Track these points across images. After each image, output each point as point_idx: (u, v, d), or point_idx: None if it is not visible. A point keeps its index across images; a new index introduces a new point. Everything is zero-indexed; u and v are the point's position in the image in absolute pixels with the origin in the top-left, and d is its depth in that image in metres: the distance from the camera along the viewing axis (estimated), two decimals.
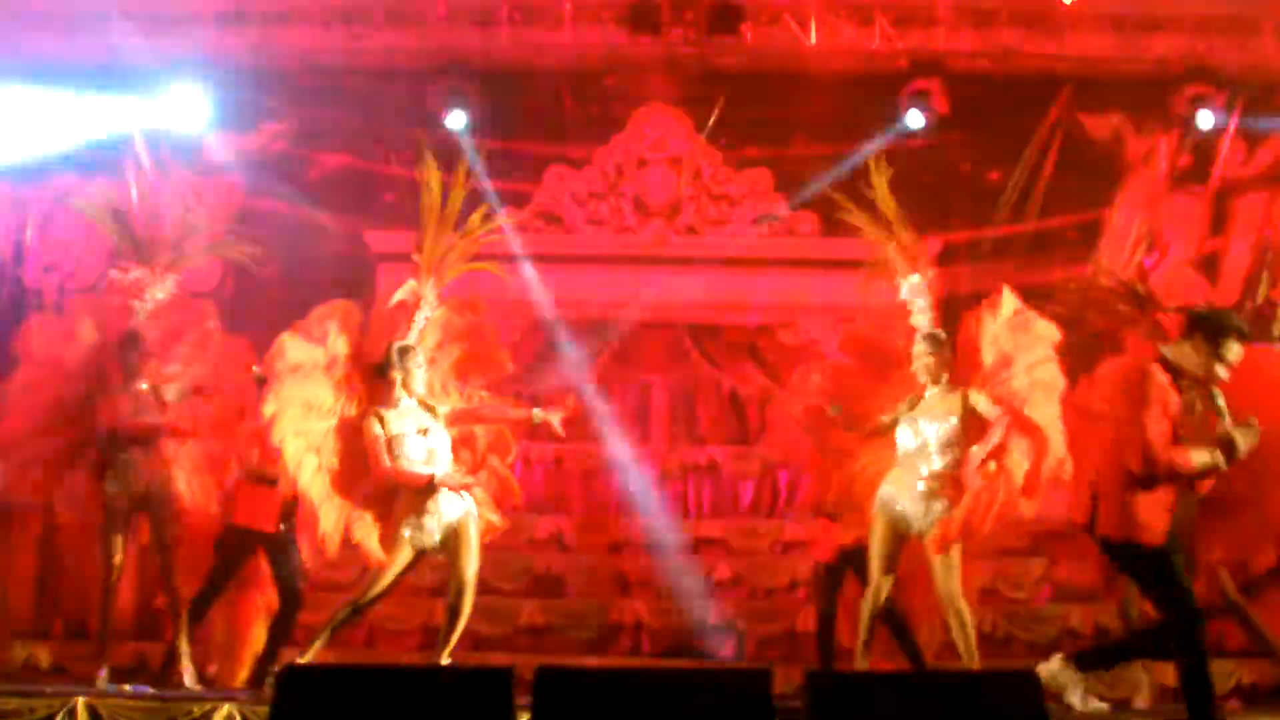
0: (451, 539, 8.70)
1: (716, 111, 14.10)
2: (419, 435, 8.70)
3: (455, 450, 8.93)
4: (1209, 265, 14.26)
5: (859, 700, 6.46)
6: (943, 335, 9.01)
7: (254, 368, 9.29)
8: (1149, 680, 9.77)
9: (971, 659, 8.60)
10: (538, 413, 9.01)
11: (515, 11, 13.46)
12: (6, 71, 13.05)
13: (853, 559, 9.93)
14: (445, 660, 8.59)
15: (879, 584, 8.85)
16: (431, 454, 8.71)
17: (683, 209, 14.17)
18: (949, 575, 8.64)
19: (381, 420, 8.67)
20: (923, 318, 9.14)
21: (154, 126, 13.08)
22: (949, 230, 13.41)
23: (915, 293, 9.23)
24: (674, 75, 14.20)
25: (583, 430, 13.33)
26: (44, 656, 11.82)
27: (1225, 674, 11.23)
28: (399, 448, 8.64)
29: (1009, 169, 13.93)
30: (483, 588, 11.54)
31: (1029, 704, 6.48)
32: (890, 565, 8.86)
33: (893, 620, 9.55)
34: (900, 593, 9.39)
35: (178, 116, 13.17)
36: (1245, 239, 14.32)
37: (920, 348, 8.97)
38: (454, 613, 8.71)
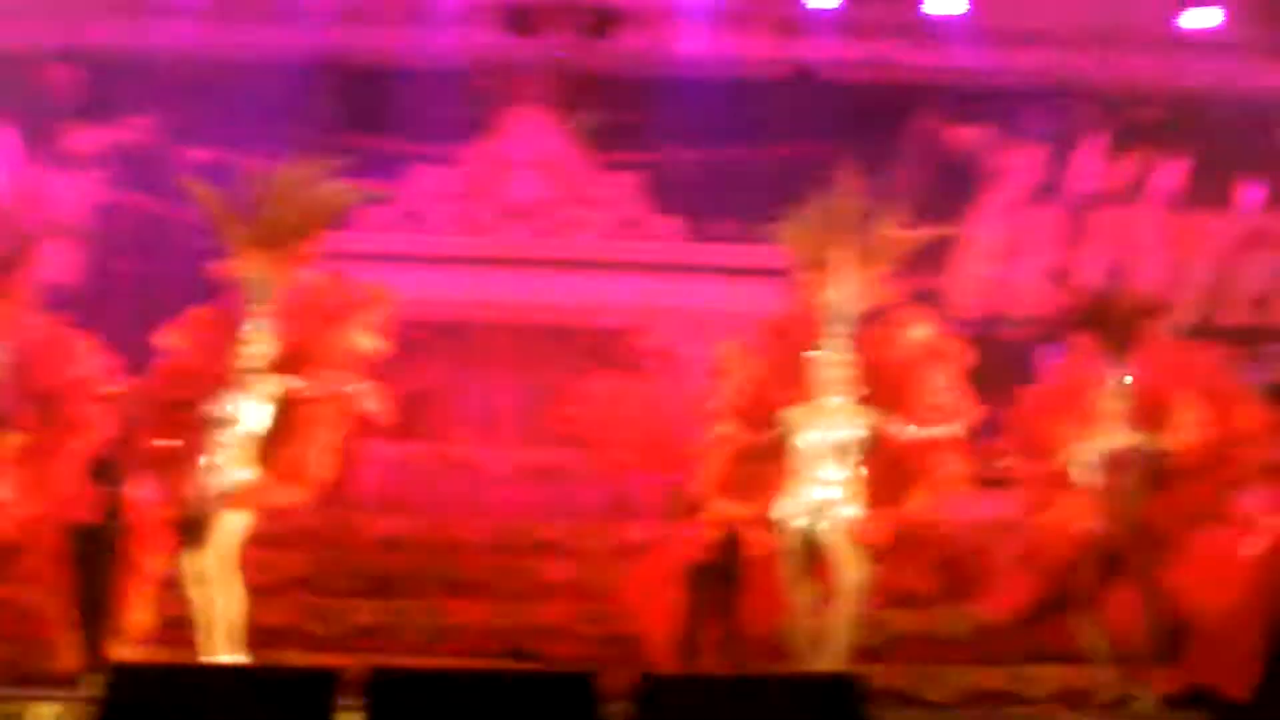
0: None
1: (586, 115, 14.13)
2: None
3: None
4: (1062, 277, 14.56)
5: (689, 702, 6.59)
6: (851, 346, 9.25)
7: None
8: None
9: (847, 645, 8.95)
10: (354, 388, 9.15)
11: (388, 9, 13.45)
12: None
13: (719, 563, 10.10)
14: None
15: (796, 592, 9.11)
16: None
17: (547, 211, 14.19)
18: (850, 568, 8.98)
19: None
20: (837, 328, 9.34)
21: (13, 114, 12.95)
22: None
23: (836, 304, 9.42)
24: (545, 78, 14.23)
25: (427, 430, 13.37)
26: None
27: (1048, 679, 11.50)
28: None
29: (875, 178, 14.10)
30: (315, 587, 11.65)
31: (851, 707, 6.65)
32: (801, 571, 9.11)
33: None
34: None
35: (38, 105, 13.04)
36: (1099, 252, 14.65)
37: (829, 358, 9.19)
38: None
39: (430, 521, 12.52)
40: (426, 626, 11.45)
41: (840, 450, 9.09)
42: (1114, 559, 9.92)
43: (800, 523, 9.07)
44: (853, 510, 9.01)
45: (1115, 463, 9.91)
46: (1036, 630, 12.24)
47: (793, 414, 9.26)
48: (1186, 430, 9.87)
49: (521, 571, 12.09)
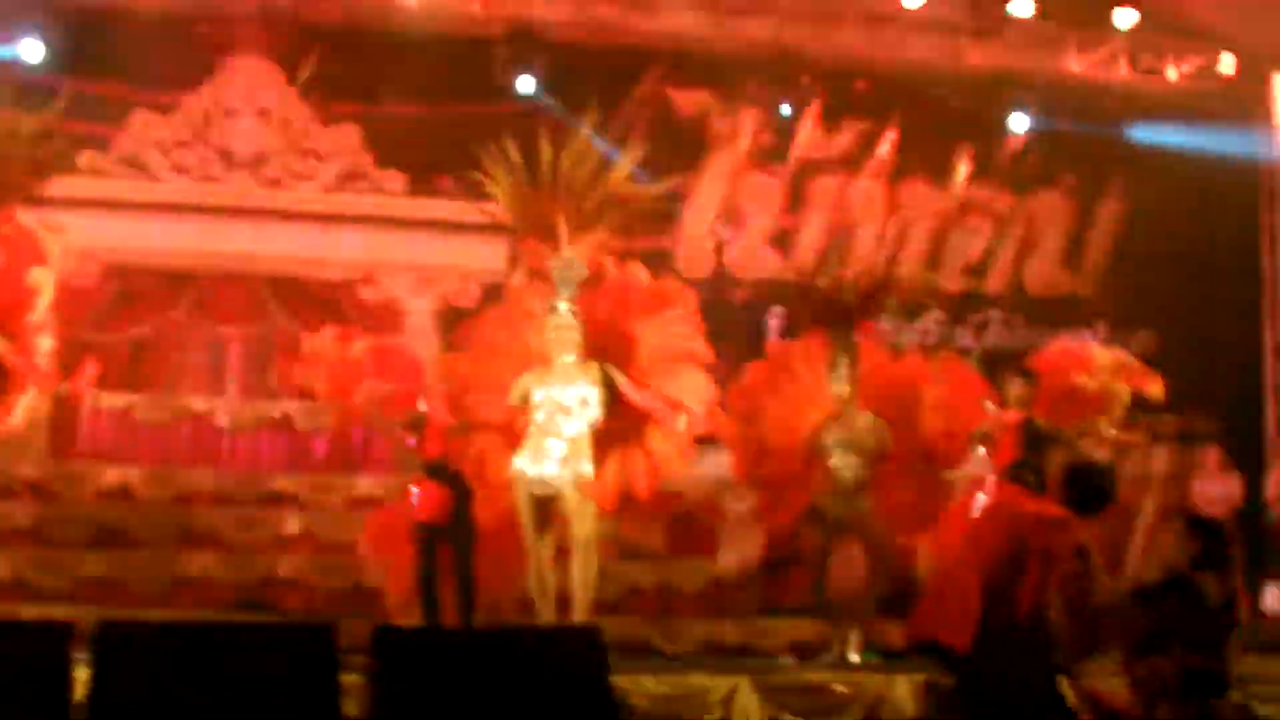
0: None
1: (308, 66, 13.94)
2: None
3: None
4: (784, 241, 14.89)
5: (425, 655, 6.62)
6: (576, 308, 9.30)
7: None
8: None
9: (588, 600, 9.08)
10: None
11: None
12: None
13: (452, 519, 10.16)
14: None
15: (535, 546, 9.18)
16: None
17: (269, 161, 13.98)
18: (584, 521, 9.13)
19: None
20: (565, 290, 9.37)
21: None
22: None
23: (564, 267, 9.44)
24: (267, 26, 13.99)
25: (155, 379, 13.11)
26: None
27: (780, 630, 11.81)
28: None
29: (600, 139, 14.18)
30: (41, 539, 11.36)
31: (590, 659, 6.76)
32: (540, 527, 9.21)
33: None
34: None
35: None
36: (819, 218, 15.02)
37: (558, 319, 9.23)
38: None
39: (159, 473, 12.28)
40: (158, 578, 11.26)
41: (573, 407, 9.17)
42: (839, 521, 10.22)
43: (535, 479, 9.15)
44: (585, 467, 9.11)
45: (845, 439, 10.20)
46: (768, 585, 12.61)
47: (527, 377, 9.32)
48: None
49: (254, 523, 11.97)
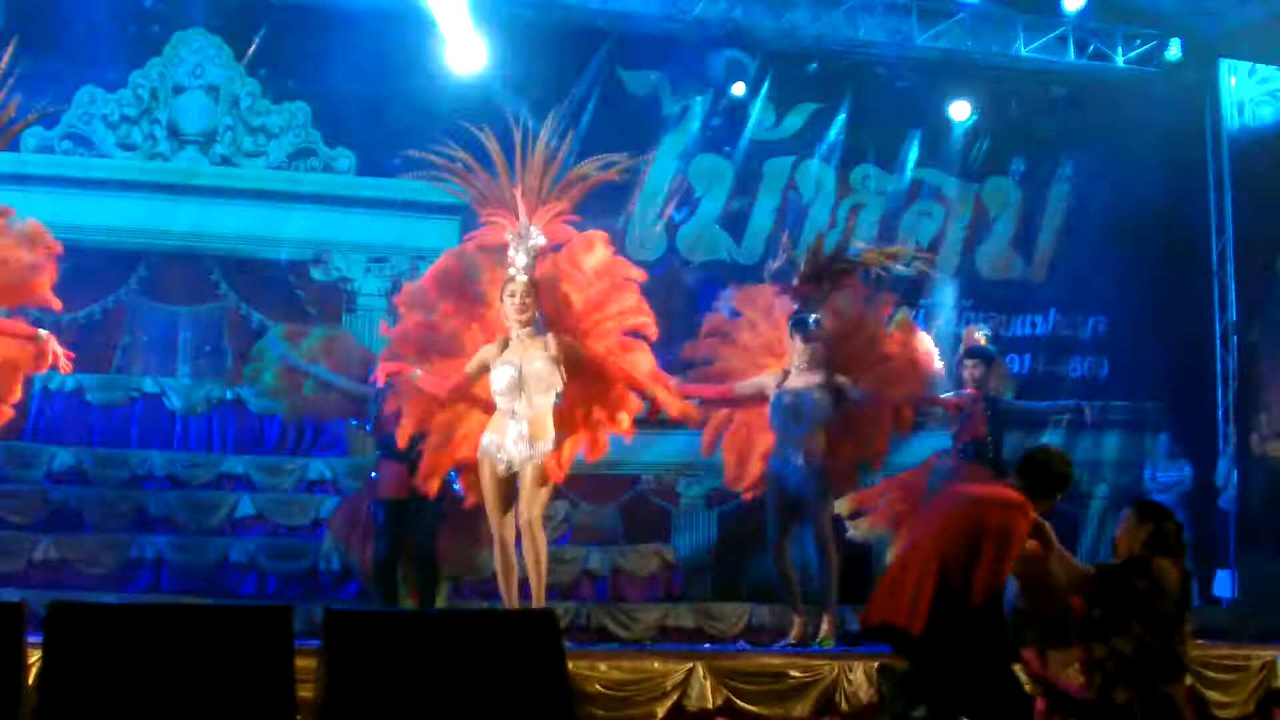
0: None
1: (256, 41, 13.85)
2: None
3: None
4: (735, 223, 14.89)
5: (378, 637, 6.59)
6: (534, 280, 9.22)
7: None
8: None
9: (541, 582, 8.96)
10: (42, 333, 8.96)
11: None
12: None
13: (412, 500, 10.15)
14: None
15: (499, 525, 9.08)
16: None
17: (218, 138, 13.89)
18: (534, 504, 8.95)
19: None
20: (523, 261, 9.29)
21: None
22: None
23: (522, 239, 9.37)
24: (215, 1, 13.88)
25: (106, 360, 13.01)
26: None
27: (736, 616, 11.86)
28: None
29: (548, 118, 14.11)
30: None
31: (548, 641, 6.74)
32: (505, 506, 9.09)
33: None
34: None
35: None
36: (769, 200, 15.02)
37: (514, 290, 9.15)
38: None
39: (111, 454, 12.27)
40: (111, 561, 11.23)
41: (530, 384, 9.09)
42: (795, 503, 10.24)
43: (499, 458, 9.07)
44: (545, 445, 9.02)
45: (797, 405, 10.21)
46: (723, 569, 12.67)
47: (486, 350, 9.24)
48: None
49: (207, 506, 12.00)
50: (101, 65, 13.57)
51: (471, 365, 9.19)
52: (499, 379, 9.01)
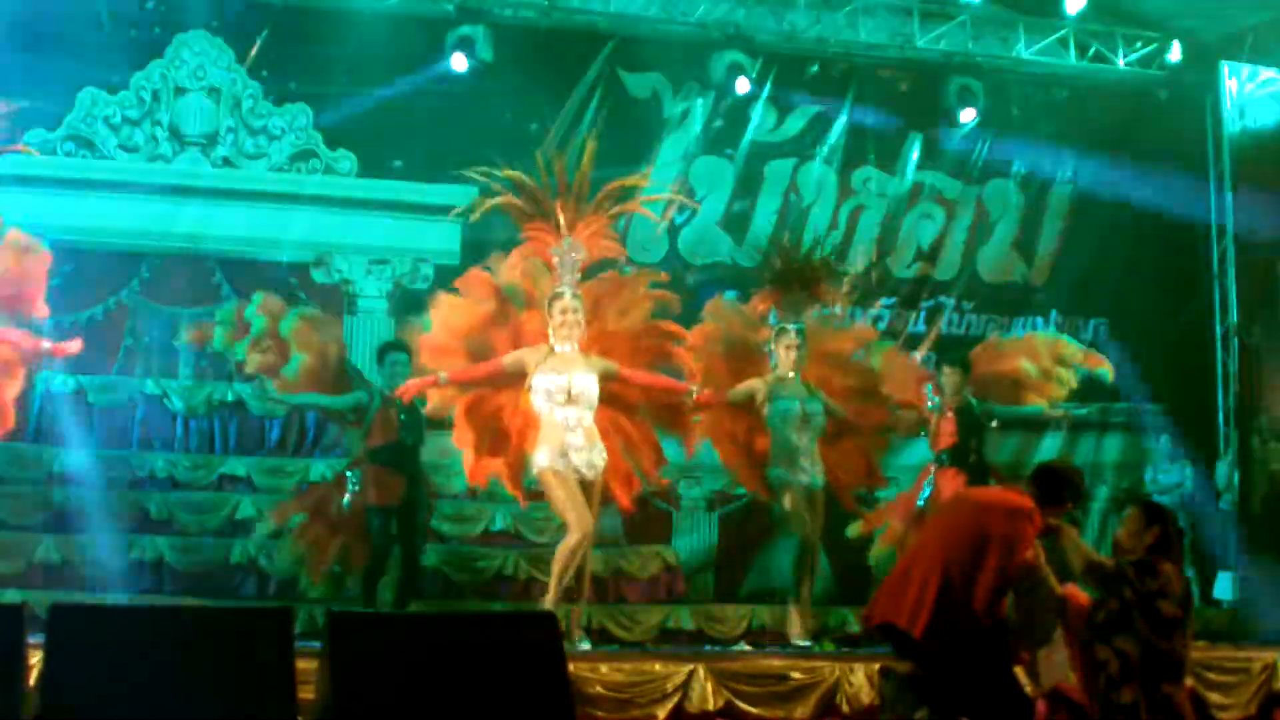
0: None
1: (258, 43, 13.86)
2: None
3: None
4: (737, 225, 14.89)
5: (379, 638, 6.62)
6: (580, 293, 9.33)
7: None
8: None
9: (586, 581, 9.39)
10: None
11: None
12: None
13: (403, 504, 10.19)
14: None
15: (585, 534, 9.18)
16: None
17: (220, 140, 13.89)
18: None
19: None
20: (569, 277, 9.37)
21: None
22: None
23: (569, 251, 9.44)
24: (217, 3, 13.88)
25: (107, 362, 13.01)
26: None
27: (737, 618, 11.87)
28: None
29: (550, 121, 14.14)
30: None
31: (547, 642, 6.77)
32: (585, 514, 9.22)
33: None
34: None
35: None
36: (770, 202, 15.02)
37: (563, 305, 9.24)
38: None
39: (113, 455, 12.28)
40: (113, 562, 11.23)
41: (580, 395, 9.19)
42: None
43: (568, 466, 9.16)
44: (602, 454, 9.26)
45: (808, 415, 10.30)
46: (724, 571, 12.67)
47: (527, 353, 9.33)
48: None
49: (208, 507, 12.01)
50: (103, 67, 13.53)
51: (510, 360, 9.26)
52: (551, 389, 9.12)
